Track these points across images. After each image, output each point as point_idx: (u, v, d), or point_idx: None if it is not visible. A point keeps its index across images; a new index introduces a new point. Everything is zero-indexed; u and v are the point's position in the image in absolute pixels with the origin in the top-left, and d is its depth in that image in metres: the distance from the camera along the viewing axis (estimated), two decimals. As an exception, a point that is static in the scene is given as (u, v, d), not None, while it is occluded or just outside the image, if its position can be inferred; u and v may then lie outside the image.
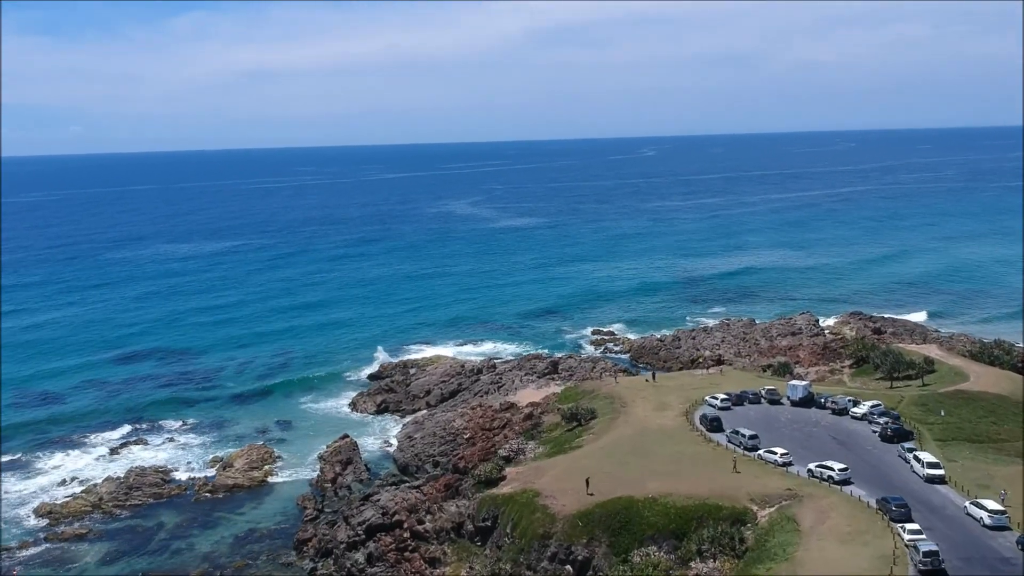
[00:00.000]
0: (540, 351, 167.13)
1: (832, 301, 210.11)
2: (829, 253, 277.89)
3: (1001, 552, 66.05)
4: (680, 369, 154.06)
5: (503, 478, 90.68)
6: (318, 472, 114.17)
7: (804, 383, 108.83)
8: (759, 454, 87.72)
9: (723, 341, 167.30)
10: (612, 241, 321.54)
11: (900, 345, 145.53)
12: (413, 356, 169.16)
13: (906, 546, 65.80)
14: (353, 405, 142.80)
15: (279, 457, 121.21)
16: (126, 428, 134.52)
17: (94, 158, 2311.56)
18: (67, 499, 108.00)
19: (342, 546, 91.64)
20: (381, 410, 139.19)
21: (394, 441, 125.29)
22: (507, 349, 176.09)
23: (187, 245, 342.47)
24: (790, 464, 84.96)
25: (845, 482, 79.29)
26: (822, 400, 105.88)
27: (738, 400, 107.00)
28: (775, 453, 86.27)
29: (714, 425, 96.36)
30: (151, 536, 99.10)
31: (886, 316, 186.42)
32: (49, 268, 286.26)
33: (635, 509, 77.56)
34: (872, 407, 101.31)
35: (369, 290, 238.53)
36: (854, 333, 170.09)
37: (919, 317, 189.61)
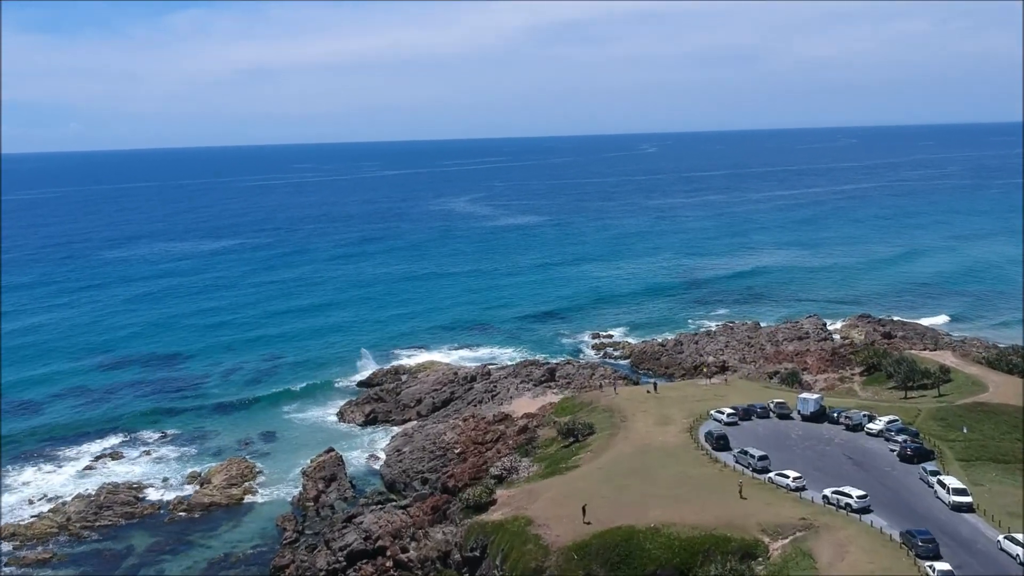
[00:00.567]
0: (537, 357, 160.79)
1: (840, 302, 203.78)
2: (836, 252, 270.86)
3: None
4: (683, 376, 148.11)
5: (493, 502, 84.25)
6: (300, 489, 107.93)
7: (816, 396, 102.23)
8: (769, 477, 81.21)
9: (727, 346, 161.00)
10: (615, 240, 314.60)
11: (913, 352, 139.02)
12: (405, 362, 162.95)
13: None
14: (341, 415, 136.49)
15: (260, 472, 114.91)
16: (103, 440, 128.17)
17: (93, 155, 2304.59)
18: (33, 519, 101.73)
19: (321, 574, 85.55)
20: (370, 420, 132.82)
21: (382, 455, 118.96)
22: (504, 353, 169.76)
23: (183, 245, 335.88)
24: (803, 489, 78.47)
25: (864, 510, 72.83)
26: (835, 415, 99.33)
27: (745, 415, 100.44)
28: (787, 476, 79.74)
29: (720, 443, 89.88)
30: (119, 561, 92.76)
31: (896, 319, 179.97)
32: (42, 269, 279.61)
33: (636, 541, 71.13)
34: (889, 423, 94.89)
35: (366, 292, 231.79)
36: (863, 337, 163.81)
37: (935, 320, 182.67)
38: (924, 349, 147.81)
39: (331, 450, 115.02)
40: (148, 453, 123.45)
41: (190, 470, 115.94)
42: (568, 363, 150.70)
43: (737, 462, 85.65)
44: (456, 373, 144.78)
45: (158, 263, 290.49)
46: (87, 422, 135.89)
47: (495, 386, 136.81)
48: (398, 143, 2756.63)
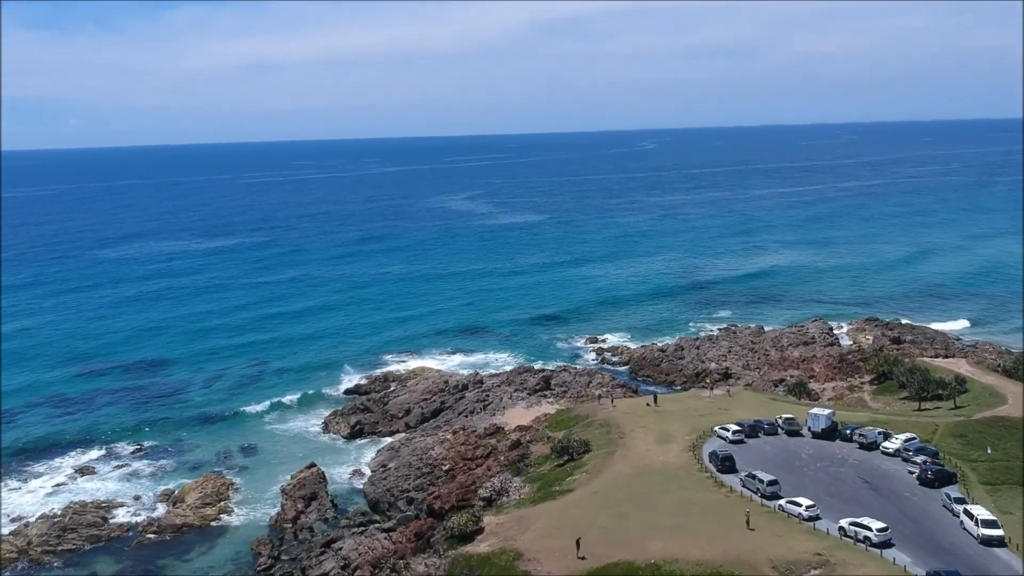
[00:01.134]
0: (532, 363, 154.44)
1: (846, 304, 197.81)
2: (844, 252, 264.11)
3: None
4: (684, 383, 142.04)
5: (480, 531, 77.86)
6: (279, 509, 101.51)
7: (827, 412, 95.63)
8: (780, 504, 74.75)
9: (730, 351, 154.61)
10: (616, 239, 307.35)
11: (926, 359, 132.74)
12: (396, 368, 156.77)
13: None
14: (326, 426, 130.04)
15: (238, 489, 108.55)
16: (76, 454, 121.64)
17: (92, 152, 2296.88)
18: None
19: (295, 607, 79.33)
20: (355, 432, 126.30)
21: (366, 470, 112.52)
22: (499, 358, 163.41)
23: (177, 244, 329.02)
24: (817, 518, 72.03)
25: (885, 544, 66.49)
26: (847, 432, 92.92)
27: (752, 431, 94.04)
28: (799, 505, 73.25)
29: (726, 465, 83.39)
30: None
31: (904, 322, 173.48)
32: (33, 270, 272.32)
33: (634, 579, 64.87)
34: (907, 441, 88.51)
35: (360, 294, 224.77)
36: (871, 341, 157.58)
37: (953, 325, 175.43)
38: (935, 355, 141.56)
39: (313, 465, 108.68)
40: (121, 468, 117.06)
41: (163, 488, 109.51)
42: (564, 370, 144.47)
43: (744, 487, 79.23)
44: (447, 381, 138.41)
45: (150, 263, 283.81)
46: (60, 434, 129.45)
47: (487, 395, 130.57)
48: (398, 139, 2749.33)
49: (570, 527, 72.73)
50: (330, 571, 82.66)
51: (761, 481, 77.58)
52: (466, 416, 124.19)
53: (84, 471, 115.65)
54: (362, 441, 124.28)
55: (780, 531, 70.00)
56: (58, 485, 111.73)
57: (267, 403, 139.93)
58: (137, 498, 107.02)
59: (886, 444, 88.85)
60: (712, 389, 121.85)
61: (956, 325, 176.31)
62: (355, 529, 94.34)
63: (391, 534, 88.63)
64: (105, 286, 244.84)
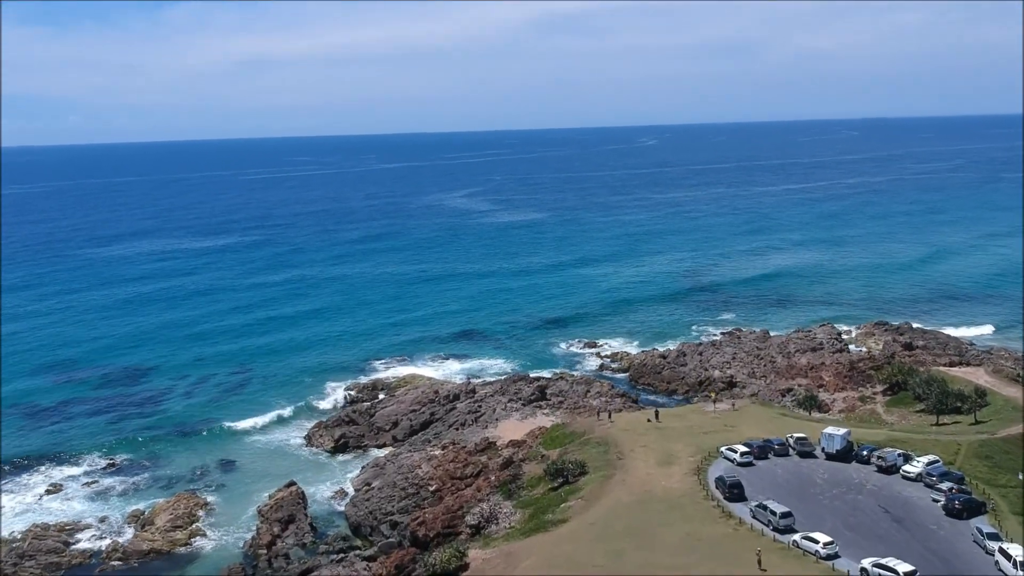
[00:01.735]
0: (528, 370, 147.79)
1: (856, 306, 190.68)
2: (854, 252, 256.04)
3: None
4: (686, 392, 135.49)
5: (465, 567, 71.14)
6: (254, 532, 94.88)
7: (842, 432, 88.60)
8: (795, 540, 67.95)
9: (734, 358, 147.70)
10: (619, 239, 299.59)
11: (942, 369, 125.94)
12: (385, 375, 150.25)
13: None
14: (309, 439, 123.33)
15: (212, 510, 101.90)
16: (43, 471, 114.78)
17: (92, 148, 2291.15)
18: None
19: (262, 648, 72.70)
20: (340, 446, 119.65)
21: (349, 488, 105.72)
22: (494, 365, 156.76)
23: (173, 243, 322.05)
24: (836, 556, 65.24)
25: (912, 590, 59.77)
26: (864, 453, 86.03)
27: (761, 452, 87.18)
28: (816, 541, 66.38)
29: (734, 493, 76.51)
30: (32, 627, 79.98)
31: (916, 326, 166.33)
32: (24, 271, 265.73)
33: (632, 629, 58.14)
34: (929, 465, 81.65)
35: (355, 298, 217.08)
36: (881, 347, 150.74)
37: (967, 331, 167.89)
38: (950, 362, 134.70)
39: (292, 484, 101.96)
40: (91, 485, 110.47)
41: (132, 508, 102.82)
42: (561, 377, 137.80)
43: (755, 518, 72.37)
44: (437, 391, 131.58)
45: (143, 264, 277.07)
46: (29, 448, 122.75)
47: (480, 406, 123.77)
48: (399, 135, 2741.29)
49: (562, 566, 66.06)
50: (303, 607, 76.08)
51: (773, 513, 70.71)
52: (456, 429, 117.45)
53: (51, 490, 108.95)
54: (346, 456, 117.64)
55: (795, 572, 63.19)
56: (21, 505, 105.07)
57: (250, 414, 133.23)
58: (103, 520, 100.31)
59: (906, 468, 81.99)
60: (716, 402, 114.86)
61: (972, 330, 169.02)
62: (334, 556, 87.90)
63: (371, 564, 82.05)
64: (95, 288, 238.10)
